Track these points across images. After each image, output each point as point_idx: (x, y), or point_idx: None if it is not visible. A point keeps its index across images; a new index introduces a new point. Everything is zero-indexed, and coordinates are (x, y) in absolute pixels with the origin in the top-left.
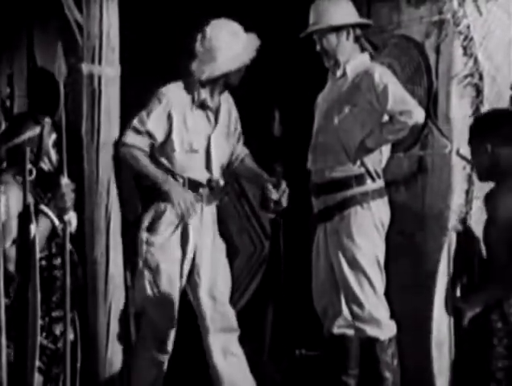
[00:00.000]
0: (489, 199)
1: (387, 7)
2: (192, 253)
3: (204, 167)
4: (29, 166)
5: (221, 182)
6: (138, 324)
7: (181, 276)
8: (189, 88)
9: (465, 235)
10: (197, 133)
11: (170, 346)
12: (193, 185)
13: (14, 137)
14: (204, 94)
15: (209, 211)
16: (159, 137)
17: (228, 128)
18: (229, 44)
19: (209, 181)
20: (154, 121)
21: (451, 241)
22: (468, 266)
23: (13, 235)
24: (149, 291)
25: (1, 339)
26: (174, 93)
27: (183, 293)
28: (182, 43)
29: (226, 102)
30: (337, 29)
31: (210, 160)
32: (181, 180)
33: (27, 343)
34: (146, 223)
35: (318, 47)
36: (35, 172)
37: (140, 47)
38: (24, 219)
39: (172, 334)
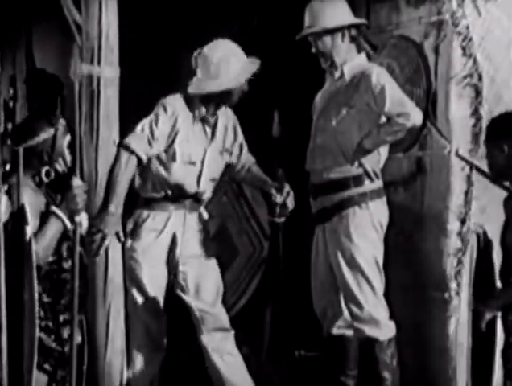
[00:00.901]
0: (508, 203)
1: (386, 8)
2: (175, 259)
3: (195, 180)
4: (47, 167)
5: (207, 195)
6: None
7: (166, 279)
8: (189, 103)
9: (484, 237)
10: (196, 145)
11: (164, 344)
12: (178, 195)
13: (29, 139)
14: (204, 110)
15: (193, 218)
16: (163, 145)
17: (223, 143)
18: (228, 63)
19: (195, 194)
20: (161, 129)
21: (472, 244)
22: (487, 268)
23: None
24: (135, 294)
25: (1, 339)
26: (178, 104)
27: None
28: (181, 44)
29: (224, 116)
30: (332, 31)
31: (201, 174)
32: (165, 191)
33: (24, 344)
34: (128, 229)
35: (313, 50)
36: (53, 174)
37: (139, 48)
38: (19, 220)
39: (164, 333)
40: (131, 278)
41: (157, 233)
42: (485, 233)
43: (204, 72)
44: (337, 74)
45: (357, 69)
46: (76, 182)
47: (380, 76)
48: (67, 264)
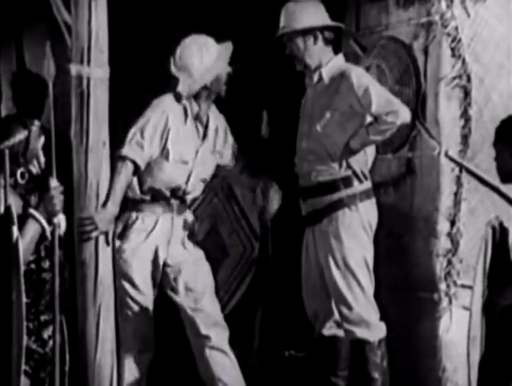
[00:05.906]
0: None
1: (376, 9)
2: (164, 260)
3: (185, 180)
4: (22, 169)
5: (194, 195)
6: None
7: (154, 279)
8: (180, 100)
9: (500, 228)
10: (188, 144)
11: (152, 345)
12: (166, 195)
13: (4, 141)
14: (197, 107)
15: (180, 221)
16: (157, 148)
17: (214, 146)
18: (200, 58)
19: (182, 194)
20: (153, 132)
21: (487, 236)
22: (502, 260)
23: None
24: (125, 294)
25: None
26: (169, 103)
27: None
28: (172, 45)
29: (216, 118)
30: (304, 32)
31: (191, 174)
32: (153, 192)
33: (12, 347)
34: (117, 230)
35: (287, 51)
36: (27, 175)
37: (130, 49)
38: (5, 221)
39: (152, 333)
40: (121, 279)
41: (146, 234)
42: (501, 224)
43: (179, 73)
44: (316, 78)
45: (336, 71)
46: (54, 183)
47: (361, 77)
48: (45, 264)
